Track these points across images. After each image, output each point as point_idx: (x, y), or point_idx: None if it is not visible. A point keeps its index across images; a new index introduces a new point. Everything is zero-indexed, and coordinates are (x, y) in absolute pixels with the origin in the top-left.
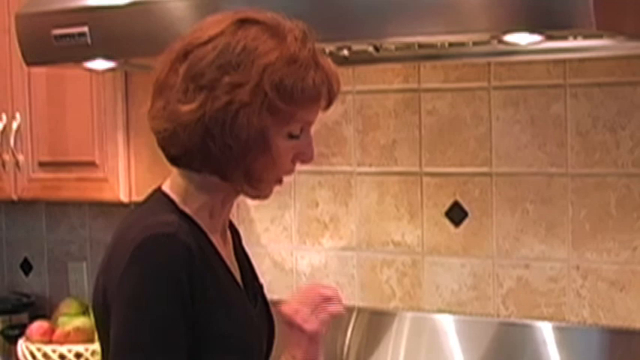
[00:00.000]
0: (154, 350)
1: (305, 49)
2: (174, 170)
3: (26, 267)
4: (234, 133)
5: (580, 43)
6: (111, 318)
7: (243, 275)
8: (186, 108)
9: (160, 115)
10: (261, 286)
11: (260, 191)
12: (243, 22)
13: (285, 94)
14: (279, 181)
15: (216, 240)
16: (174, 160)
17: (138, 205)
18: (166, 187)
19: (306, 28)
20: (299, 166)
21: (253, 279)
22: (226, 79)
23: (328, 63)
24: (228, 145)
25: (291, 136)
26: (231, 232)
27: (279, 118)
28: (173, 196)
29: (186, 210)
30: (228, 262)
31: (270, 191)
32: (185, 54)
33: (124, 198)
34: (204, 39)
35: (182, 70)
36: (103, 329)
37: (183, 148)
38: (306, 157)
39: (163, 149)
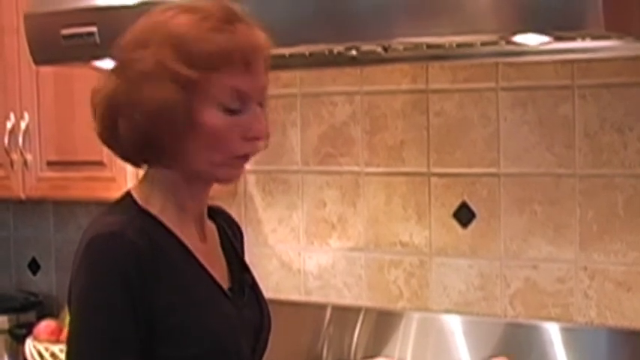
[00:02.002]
0: (101, 343)
1: (214, 18)
2: (138, 175)
3: (34, 266)
4: (141, 108)
5: (588, 44)
6: None
7: (231, 270)
8: (103, 91)
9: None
10: (252, 278)
11: (220, 174)
12: (164, 11)
13: (188, 58)
14: (241, 159)
15: (187, 236)
16: (125, 159)
17: (106, 206)
18: (133, 188)
19: (230, 7)
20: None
21: (242, 272)
22: (135, 55)
23: (246, 29)
24: (138, 123)
25: (228, 111)
26: (221, 227)
27: (197, 91)
28: (137, 196)
29: (149, 209)
30: (204, 258)
31: (228, 175)
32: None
33: None
34: (130, 32)
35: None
36: None
37: (113, 137)
38: (252, 133)
39: (110, 149)
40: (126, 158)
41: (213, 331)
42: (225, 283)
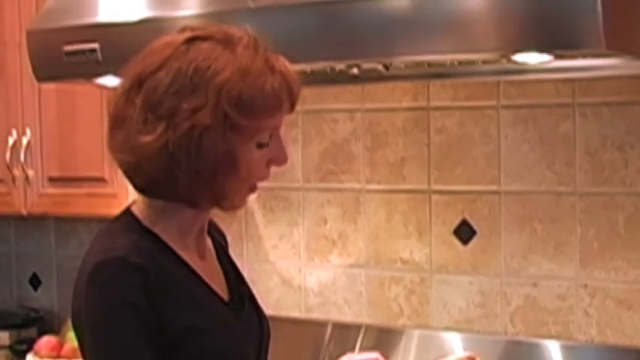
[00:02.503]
0: None
1: (257, 56)
2: (140, 196)
3: (35, 282)
4: (201, 157)
5: (589, 62)
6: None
7: (229, 283)
8: (147, 139)
9: (121, 148)
10: (248, 289)
11: (233, 205)
12: (191, 41)
13: (246, 108)
14: (253, 189)
15: (187, 254)
16: (142, 191)
17: (108, 223)
18: (134, 207)
19: (255, 34)
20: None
21: (239, 284)
22: (184, 105)
23: (284, 65)
24: (195, 171)
25: (260, 145)
26: (215, 241)
27: (245, 134)
28: (139, 215)
29: (152, 227)
30: (205, 275)
31: (243, 203)
32: (139, 84)
33: None
34: (157, 65)
35: (139, 101)
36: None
37: (148, 178)
38: (279, 161)
39: (130, 180)
40: (146, 194)
41: (220, 343)
42: (225, 296)
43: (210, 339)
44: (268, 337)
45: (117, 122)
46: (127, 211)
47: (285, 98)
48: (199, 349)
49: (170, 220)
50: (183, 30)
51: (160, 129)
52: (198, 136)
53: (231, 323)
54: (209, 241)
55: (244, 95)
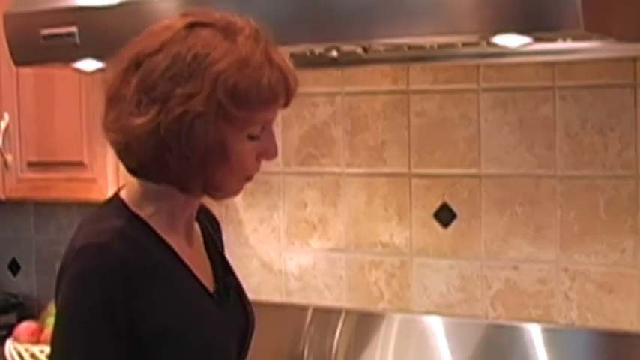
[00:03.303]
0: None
1: (257, 48)
2: (130, 178)
3: (14, 267)
4: (191, 144)
5: (569, 45)
6: None
7: (215, 272)
8: (139, 121)
9: (113, 128)
10: (235, 279)
11: (222, 195)
12: (192, 27)
13: (240, 99)
14: (248, 179)
15: (176, 241)
16: (132, 172)
17: (96, 208)
18: (123, 192)
19: (257, 24)
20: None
21: (226, 273)
22: (179, 90)
23: (283, 59)
24: (186, 157)
25: (252, 138)
26: (204, 227)
27: (237, 124)
28: (128, 200)
29: (140, 213)
30: (192, 263)
31: (237, 192)
32: (137, 64)
33: None
34: (156, 47)
35: (134, 81)
36: None
37: (138, 160)
38: (269, 155)
39: (121, 160)
40: (137, 176)
41: (201, 337)
42: (210, 286)
43: (189, 336)
44: (252, 328)
45: (111, 101)
46: (116, 196)
47: (281, 93)
48: (178, 345)
49: (161, 204)
50: (184, 15)
51: (152, 112)
52: (190, 122)
53: (213, 317)
54: (197, 229)
55: (240, 86)
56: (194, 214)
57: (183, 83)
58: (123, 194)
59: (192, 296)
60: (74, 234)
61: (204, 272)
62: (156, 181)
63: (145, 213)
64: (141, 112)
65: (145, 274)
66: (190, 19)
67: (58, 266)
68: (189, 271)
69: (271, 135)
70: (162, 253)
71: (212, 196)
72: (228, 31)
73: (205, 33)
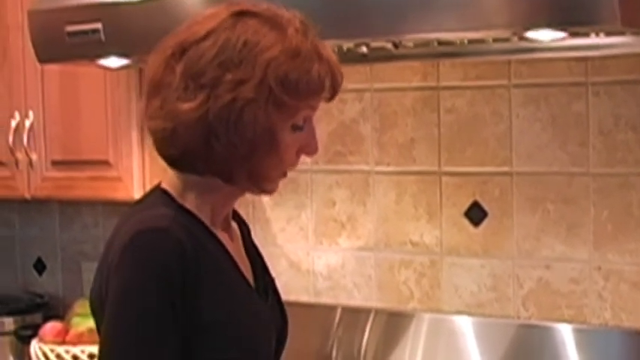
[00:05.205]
0: (140, 344)
1: (307, 41)
2: (170, 172)
3: (40, 266)
4: (240, 131)
5: (602, 40)
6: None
7: (255, 270)
8: (186, 106)
9: (157, 115)
10: (272, 280)
11: (264, 188)
12: (240, 15)
13: (291, 88)
14: (284, 175)
15: (221, 235)
16: (174, 163)
17: (137, 201)
18: (164, 184)
19: (304, 18)
20: (305, 160)
21: (264, 273)
22: (229, 76)
23: (330, 54)
24: (233, 144)
25: (296, 128)
26: (240, 226)
27: (285, 113)
28: (172, 192)
29: (186, 205)
30: (236, 258)
31: (275, 187)
32: (182, 51)
33: (138, 197)
34: (202, 34)
35: (180, 69)
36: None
37: (184, 148)
38: (310, 148)
39: (162, 150)
40: (179, 166)
41: (250, 332)
42: (251, 283)
43: (239, 327)
44: (287, 332)
45: (154, 89)
46: (157, 188)
47: (328, 86)
48: (228, 336)
49: (204, 196)
50: (230, 4)
51: (200, 97)
52: (240, 108)
53: (261, 312)
54: (236, 227)
55: (291, 75)
56: (230, 212)
57: (233, 69)
58: (166, 187)
59: (241, 290)
60: (119, 224)
61: (245, 269)
62: (199, 172)
63: (188, 204)
64: (188, 97)
65: (199, 263)
66: (236, 7)
67: (83, 265)
68: (236, 265)
69: (313, 129)
70: (211, 245)
71: (255, 189)
72: (275, 22)
73: (253, 22)
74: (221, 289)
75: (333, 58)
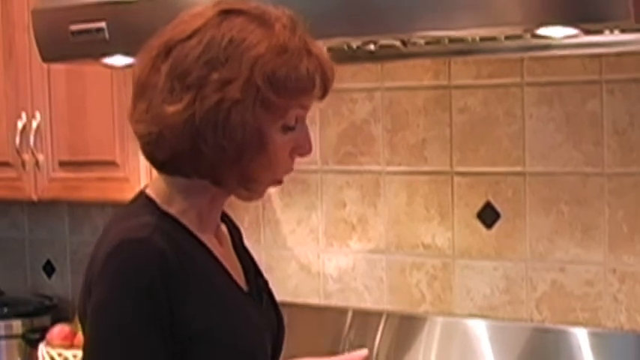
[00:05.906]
0: (115, 355)
1: (295, 37)
2: (157, 175)
3: (49, 269)
4: (228, 133)
5: (616, 37)
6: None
7: (247, 273)
8: (172, 109)
9: (143, 118)
10: (266, 283)
11: (253, 193)
12: (226, 13)
13: (279, 86)
14: (278, 182)
15: (208, 239)
16: (162, 167)
17: (122, 207)
18: (148, 190)
19: (293, 14)
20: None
21: (257, 276)
22: (215, 75)
23: (320, 50)
24: (221, 147)
25: (287, 129)
26: (230, 229)
27: (274, 113)
28: (155, 197)
29: (170, 211)
30: (225, 262)
31: (264, 192)
32: (167, 51)
33: None
34: (187, 33)
35: (165, 68)
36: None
37: (171, 151)
38: (304, 150)
39: (149, 155)
40: (167, 170)
41: (244, 339)
42: (243, 287)
43: (232, 333)
44: (284, 334)
45: (140, 90)
46: (142, 194)
47: (318, 83)
48: (221, 343)
49: (191, 200)
50: (216, 3)
51: (186, 99)
52: (227, 110)
53: (253, 317)
54: (225, 230)
55: (278, 72)
56: (219, 214)
57: (219, 68)
58: (149, 192)
59: (231, 295)
60: (103, 234)
61: (236, 273)
62: (187, 175)
63: (174, 209)
64: (174, 99)
65: (184, 271)
66: (223, 6)
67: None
68: (225, 270)
69: (305, 129)
70: (197, 251)
71: (244, 191)
72: (262, 19)
73: (239, 20)
74: (209, 296)
75: (324, 54)
